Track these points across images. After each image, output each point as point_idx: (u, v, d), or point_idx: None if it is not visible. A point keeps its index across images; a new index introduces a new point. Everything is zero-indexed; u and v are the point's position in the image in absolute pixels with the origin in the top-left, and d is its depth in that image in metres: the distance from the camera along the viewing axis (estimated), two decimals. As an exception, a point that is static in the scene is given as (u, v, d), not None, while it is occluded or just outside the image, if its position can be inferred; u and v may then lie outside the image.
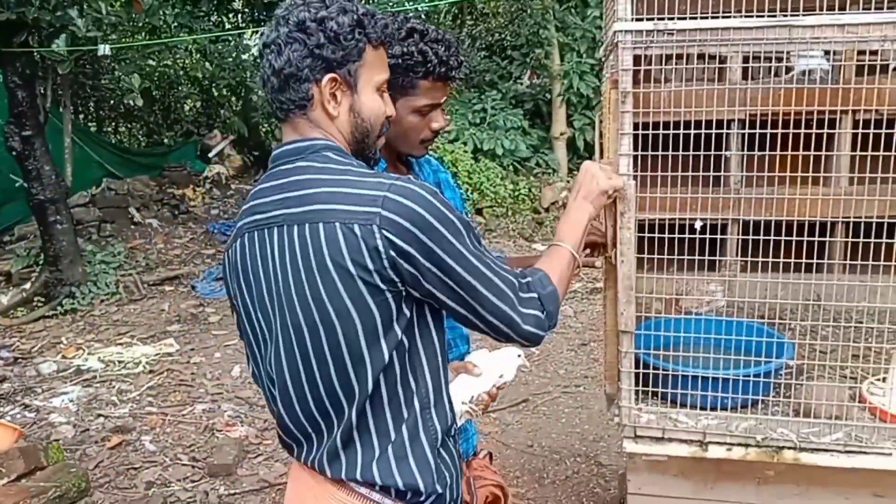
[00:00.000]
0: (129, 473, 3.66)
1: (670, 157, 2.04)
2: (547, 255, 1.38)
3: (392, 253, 1.13)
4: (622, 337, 1.69)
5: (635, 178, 1.80)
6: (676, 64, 1.75)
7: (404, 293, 1.17)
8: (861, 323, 2.31)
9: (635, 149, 2.05)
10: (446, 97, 1.57)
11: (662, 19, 1.48)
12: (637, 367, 1.74)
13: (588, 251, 1.71)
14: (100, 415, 4.31)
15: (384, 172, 1.24)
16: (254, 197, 1.28)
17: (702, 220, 1.77)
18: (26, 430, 4.08)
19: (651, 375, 1.74)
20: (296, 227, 1.18)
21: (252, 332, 1.30)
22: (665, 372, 1.72)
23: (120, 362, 5.14)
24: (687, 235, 1.78)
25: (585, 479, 3.54)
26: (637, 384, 1.74)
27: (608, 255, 1.70)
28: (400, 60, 1.44)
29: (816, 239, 2.24)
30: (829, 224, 2.59)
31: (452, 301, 1.19)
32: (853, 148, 2.49)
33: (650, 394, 1.82)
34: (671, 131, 1.85)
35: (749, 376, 1.72)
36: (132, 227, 8.44)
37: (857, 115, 2.41)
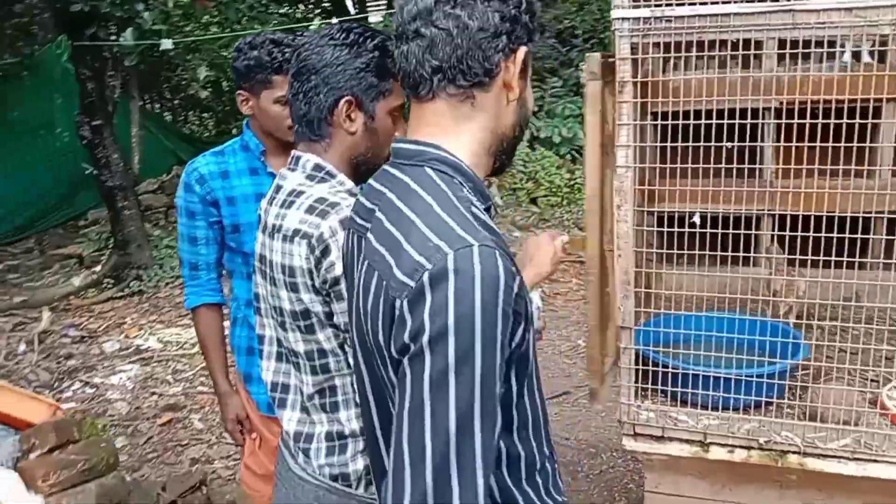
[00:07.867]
0: (177, 450, 3.81)
1: (700, 147, 1.96)
2: None
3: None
4: (622, 333, 1.65)
5: (652, 170, 1.75)
6: (703, 50, 1.69)
7: None
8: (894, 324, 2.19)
9: (662, 139, 1.99)
10: None
11: (660, 6, 1.43)
12: (638, 363, 1.70)
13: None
14: (154, 392, 4.50)
15: (483, 220, 0.94)
16: (362, 192, 1.09)
17: (701, 212, 1.70)
18: (84, 405, 4.30)
19: (651, 372, 1.69)
20: (366, 262, 0.97)
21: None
22: (665, 370, 1.67)
23: (178, 343, 5.35)
24: (694, 229, 1.72)
25: (620, 475, 3.48)
26: (637, 381, 1.69)
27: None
28: (253, 62, 1.86)
29: (858, 235, 2.13)
30: (871, 220, 2.46)
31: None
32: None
33: (650, 391, 1.77)
34: (702, 121, 1.77)
35: (754, 376, 1.65)
36: (199, 213, 8.71)
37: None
